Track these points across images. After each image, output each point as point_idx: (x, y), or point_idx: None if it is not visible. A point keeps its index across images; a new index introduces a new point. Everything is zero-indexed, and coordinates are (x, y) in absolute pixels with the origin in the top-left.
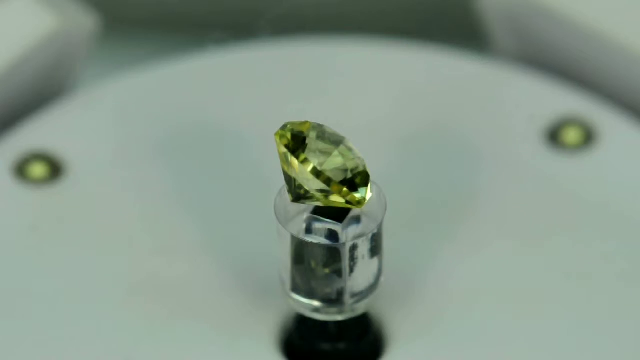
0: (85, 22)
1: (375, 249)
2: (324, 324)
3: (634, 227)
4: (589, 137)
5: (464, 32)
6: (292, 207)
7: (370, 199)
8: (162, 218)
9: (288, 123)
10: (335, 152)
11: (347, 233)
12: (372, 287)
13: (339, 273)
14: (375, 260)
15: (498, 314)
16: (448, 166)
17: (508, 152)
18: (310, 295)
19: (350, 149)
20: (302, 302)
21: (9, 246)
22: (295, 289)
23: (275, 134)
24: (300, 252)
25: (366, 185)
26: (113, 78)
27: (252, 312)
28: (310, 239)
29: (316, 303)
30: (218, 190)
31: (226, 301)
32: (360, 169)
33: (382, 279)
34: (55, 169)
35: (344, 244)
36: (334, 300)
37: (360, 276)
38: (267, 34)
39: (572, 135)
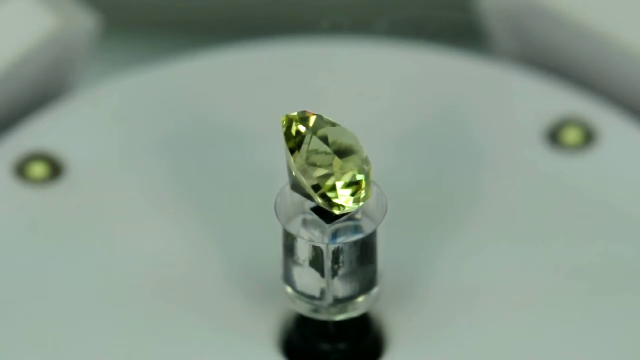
0: (85, 22)
1: (366, 258)
2: (324, 323)
3: (634, 226)
4: (589, 137)
5: (464, 32)
6: (292, 206)
7: (368, 204)
8: (162, 218)
9: (303, 112)
10: (331, 159)
11: (336, 234)
12: (353, 297)
13: (321, 272)
14: (364, 270)
15: (499, 313)
16: (448, 166)
17: (508, 152)
18: (292, 286)
19: (353, 160)
20: (287, 291)
21: (9, 246)
22: (285, 278)
23: (283, 118)
24: (290, 244)
25: (352, 196)
26: (113, 78)
27: (252, 312)
28: (296, 232)
29: (298, 295)
30: (218, 189)
31: (226, 301)
32: (353, 180)
33: (362, 298)
34: (55, 169)
35: (326, 244)
36: (317, 298)
37: (343, 282)
38: (267, 34)
39: (572, 135)
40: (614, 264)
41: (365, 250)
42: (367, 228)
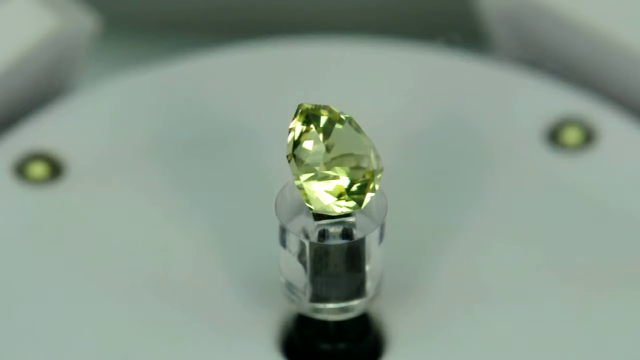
0: (85, 22)
1: (353, 264)
2: (324, 323)
3: (634, 226)
4: (589, 137)
5: (464, 32)
6: (293, 206)
7: (369, 207)
8: (162, 218)
9: (326, 106)
10: (320, 160)
11: (326, 233)
12: (335, 300)
13: (305, 268)
14: (350, 276)
15: (499, 313)
16: (447, 167)
17: (508, 152)
18: (282, 274)
19: (349, 168)
20: (280, 279)
21: (9, 246)
22: (279, 266)
23: (299, 105)
24: (283, 234)
25: (339, 198)
26: (113, 78)
27: (252, 312)
28: (288, 225)
29: (285, 284)
30: (219, 190)
31: (226, 301)
32: (340, 185)
33: (346, 303)
34: (55, 169)
35: (309, 242)
36: (300, 291)
37: (325, 282)
38: (268, 34)
39: (572, 135)
40: (614, 263)
41: (354, 256)
42: (365, 230)
